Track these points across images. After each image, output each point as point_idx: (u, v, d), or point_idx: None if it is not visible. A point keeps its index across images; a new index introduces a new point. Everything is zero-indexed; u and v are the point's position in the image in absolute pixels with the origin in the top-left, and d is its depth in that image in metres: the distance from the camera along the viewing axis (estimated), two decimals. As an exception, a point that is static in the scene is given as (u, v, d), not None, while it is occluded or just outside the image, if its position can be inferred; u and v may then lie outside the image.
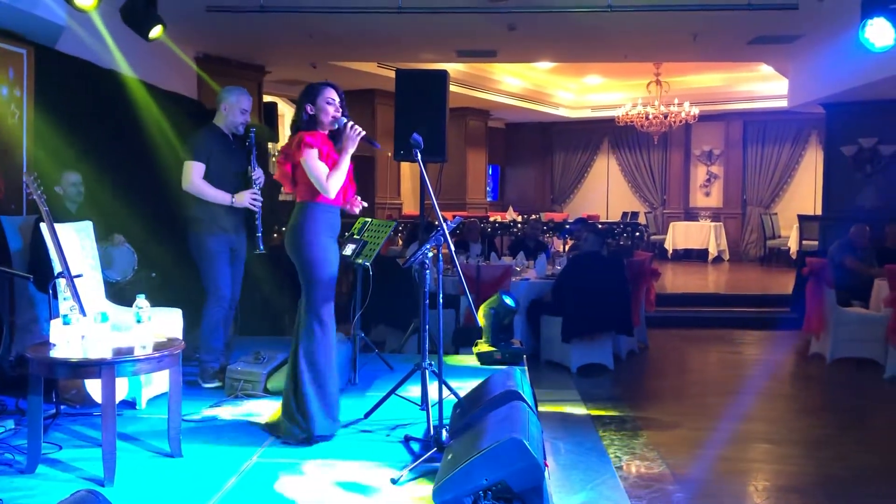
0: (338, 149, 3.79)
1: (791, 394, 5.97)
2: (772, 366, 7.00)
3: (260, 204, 4.77)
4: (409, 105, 6.02)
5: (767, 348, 7.07)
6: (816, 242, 11.49)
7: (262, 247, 4.77)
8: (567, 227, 11.82)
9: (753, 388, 6.37)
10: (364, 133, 3.78)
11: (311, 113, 3.79)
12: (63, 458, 3.47)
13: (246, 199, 4.72)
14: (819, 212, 12.25)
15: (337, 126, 3.81)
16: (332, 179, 3.70)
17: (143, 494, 3.08)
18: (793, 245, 13.43)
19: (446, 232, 3.66)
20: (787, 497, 4.18)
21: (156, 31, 5.96)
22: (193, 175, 4.64)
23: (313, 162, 3.68)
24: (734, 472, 4.53)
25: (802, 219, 12.97)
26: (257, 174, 4.80)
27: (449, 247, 3.67)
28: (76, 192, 5.30)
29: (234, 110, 4.77)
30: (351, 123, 3.77)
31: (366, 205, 4.07)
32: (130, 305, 3.57)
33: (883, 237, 8.00)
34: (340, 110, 3.82)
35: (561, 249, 10.58)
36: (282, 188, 3.92)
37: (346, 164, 3.76)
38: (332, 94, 3.81)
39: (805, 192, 14.94)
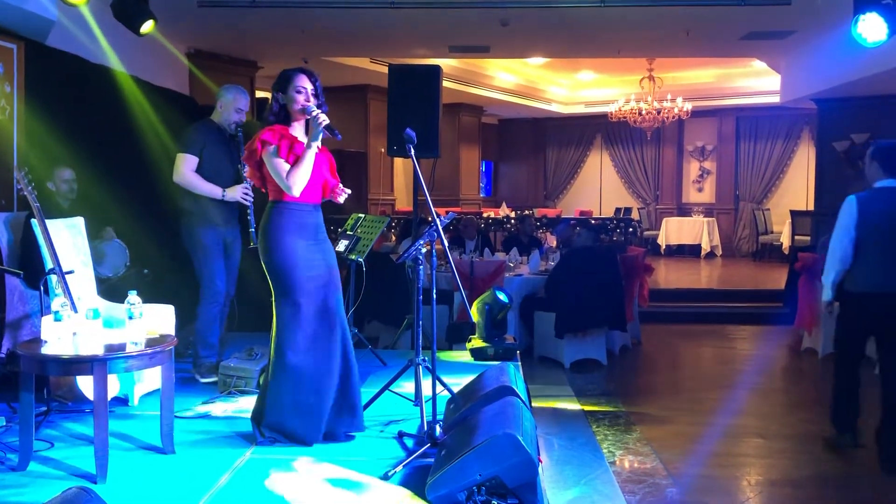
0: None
1: (783, 388, 5.99)
2: (764, 361, 7.02)
3: (252, 199, 4.74)
4: (402, 100, 6.02)
5: (760, 343, 7.10)
6: (808, 238, 11.52)
7: (255, 241, 4.65)
8: (558, 227, 11.84)
9: (746, 383, 6.39)
10: (326, 122, 3.50)
11: (282, 103, 3.59)
12: (55, 456, 3.45)
13: (238, 193, 4.70)
14: (811, 207, 12.29)
15: (308, 115, 3.57)
16: (292, 176, 3.47)
17: (135, 491, 3.07)
18: (785, 240, 13.48)
19: (440, 227, 3.64)
20: (780, 491, 4.20)
21: (147, 26, 5.93)
22: (185, 167, 4.63)
23: (271, 159, 3.50)
24: (727, 466, 4.54)
25: (795, 214, 13.01)
26: (248, 170, 4.75)
27: (442, 242, 3.64)
28: (68, 188, 5.28)
29: (229, 108, 4.77)
30: (316, 112, 3.52)
31: (349, 192, 3.79)
32: (122, 302, 3.55)
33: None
34: (312, 99, 3.58)
35: (554, 245, 10.58)
36: (253, 185, 3.83)
37: (309, 158, 3.51)
38: (303, 82, 3.57)
39: (797, 187, 14.99)
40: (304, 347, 3.56)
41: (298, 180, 3.50)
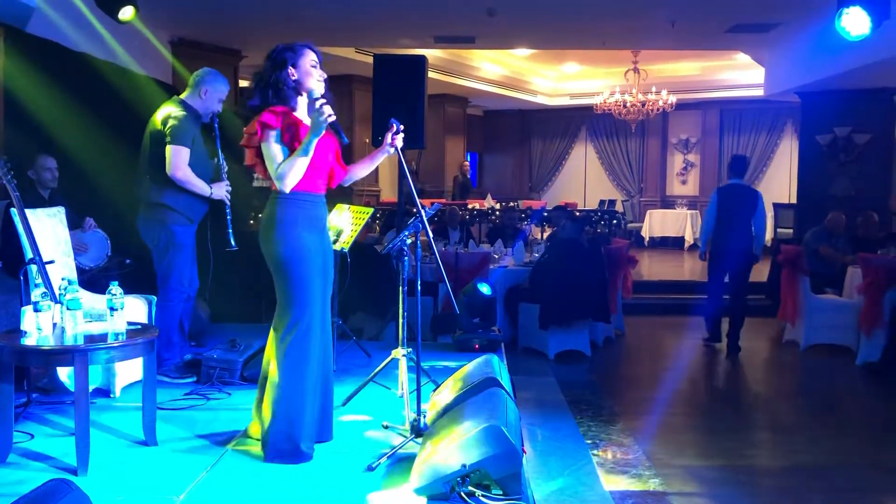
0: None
1: (765, 380, 6.05)
2: (746, 352, 7.07)
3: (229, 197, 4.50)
4: (387, 91, 5.98)
5: (742, 335, 7.16)
6: (791, 230, 11.60)
7: (233, 244, 4.46)
8: (544, 213, 11.84)
9: (728, 374, 6.43)
10: (332, 119, 3.12)
11: (296, 79, 3.27)
12: (35, 448, 3.41)
13: (223, 190, 4.46)
14: (794, 200, 12.36)
15: (310, 101, 3.29)
16: (286, 167, 3.13)
17: (117, 483, 3.04)
18: (768, 233, 13.54)
19: (424, 219, 3.62)
20: (761, 481, 4.23)
21: (127, 13, 5.86)
22: (182, 161, 4.26)
23: (270, 145, 3.17)
24: (709, 457, 4.57)
25: (777, 207, 13.08)
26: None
27: (427, 234, 3.61)
28: (50, 176, 5.21)
29: (213, 98, 4.45)
30: (320, 102, 3.16)
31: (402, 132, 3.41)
32: (103, 293, 3.51)
33: (855, 226, 8.09)
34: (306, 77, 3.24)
35: (539, 237, 10.60)
36: (255, 174, 3.68)
37: (309, 151, 3.14)
38: (315, 56, 3.35)
39: (780, 180, 15.08)
40: (312, 356, 3.28)
41: (292, 174, 3.14)
